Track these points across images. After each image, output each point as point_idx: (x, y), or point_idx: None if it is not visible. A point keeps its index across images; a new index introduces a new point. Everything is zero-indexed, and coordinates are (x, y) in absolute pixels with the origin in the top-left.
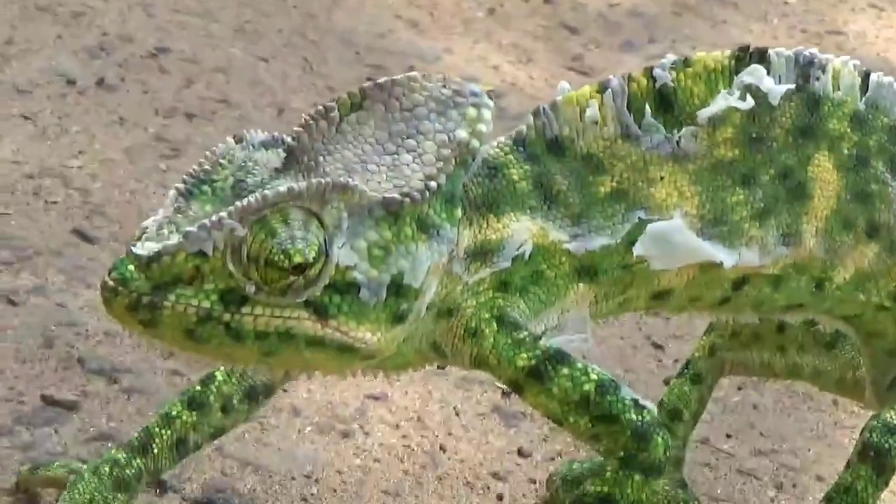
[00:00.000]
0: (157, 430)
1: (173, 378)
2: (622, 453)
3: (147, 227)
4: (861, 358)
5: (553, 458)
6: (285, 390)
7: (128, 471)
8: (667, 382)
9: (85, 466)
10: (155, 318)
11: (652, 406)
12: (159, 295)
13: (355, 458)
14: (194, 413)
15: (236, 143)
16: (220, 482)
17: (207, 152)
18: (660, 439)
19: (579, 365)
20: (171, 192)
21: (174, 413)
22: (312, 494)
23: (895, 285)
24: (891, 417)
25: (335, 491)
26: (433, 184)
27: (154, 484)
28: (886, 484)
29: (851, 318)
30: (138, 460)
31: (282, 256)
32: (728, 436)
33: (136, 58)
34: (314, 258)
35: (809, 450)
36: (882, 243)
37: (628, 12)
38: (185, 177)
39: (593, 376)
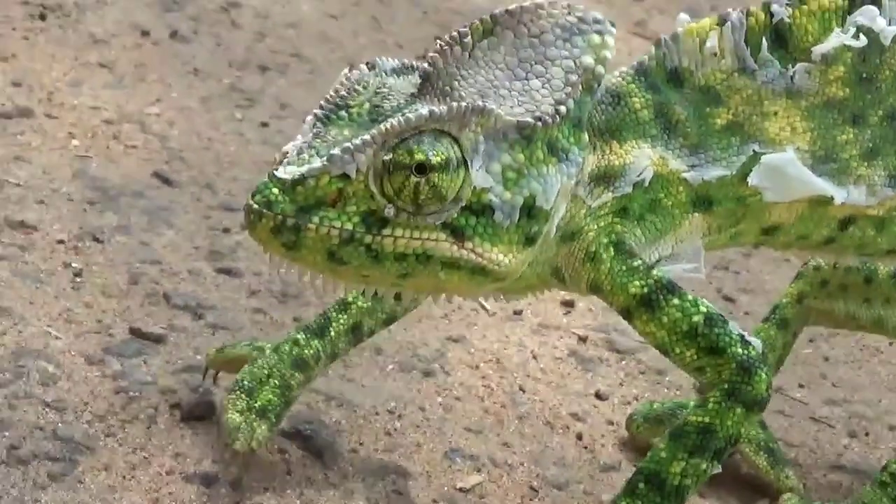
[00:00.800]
0: (334, 314)
1: (255, 315)
2: (726, 385)
3: (287, 152)
4: None
5: (629, 402)
6: None
7: (307, 351)
8: None
9: (269, 344)
10: (299, 239)
11: (758, 343)
12: (303, 217)
13: (437, 396)
14: (369, 300)
15: (369, 69)
16: (307, 415)
17: (342, 78)
18: (763, 374)
19: (690, 297)
20: (309, 118)
21: (350, 299)
22: (395, 429)
23: None
24: None
25: (418, 426)
26: (563, 108)
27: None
28: None
29: None
30: (316, 342)
31: (433, 157)
32: (801, 385)
33: (209, 11)
34: (449, 161)
35: (881, 400)
36: None
37: None
38: (322, 103)
39: (703, 308)
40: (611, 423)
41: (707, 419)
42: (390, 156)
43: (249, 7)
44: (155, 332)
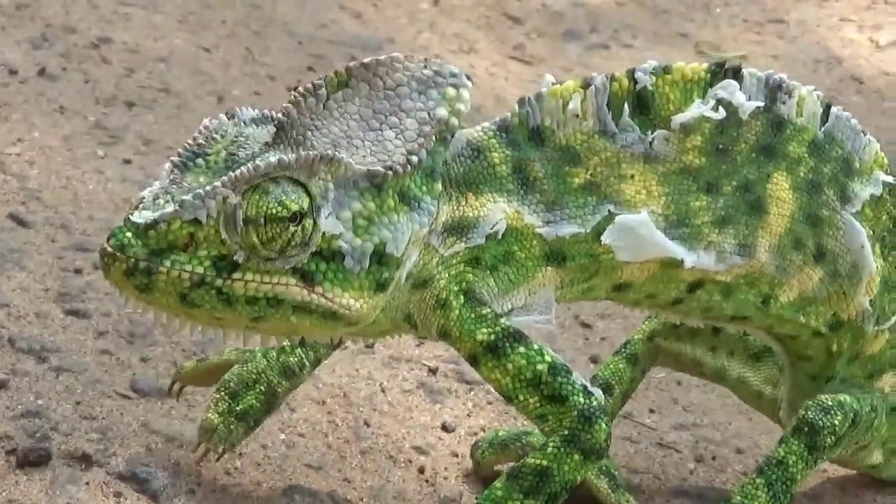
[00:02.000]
0: None
1: (101, 357)
2: (566, 432)
3: (144, 197)
4: (782, 377)
5: (476, 433)
6: None
7: (291, 358)
8: (593, 360)
9: (258, 349)
10: (151, 283)
11: (600, 393)
12: (155, 261)
13: (280, 434)
14: None
15: (228, 118)
16: (145, 456)
17: (201, 127)
18: (603, 424)
19: (535, 346)
20: (167, 165)
21: None
22: (235, 468)
23: (832, 314)
24: (826, 399)
25: (258, 465)
26: (414, 158)
27: (79, 459)
28: (816, 463)
29: (786, 338)
30: (299, 349)
31: (279, 208)
32: (651, 411)
33: (79, 48)
34: (308, 208)
35: (730, 424)
36: (826, 269)
37: (571, 2)
38: (180, 150)
39: (547, 358)
40: (455, 455)
41: (545, 463)
42: (240, 202)
43: (120, 42)
44: None
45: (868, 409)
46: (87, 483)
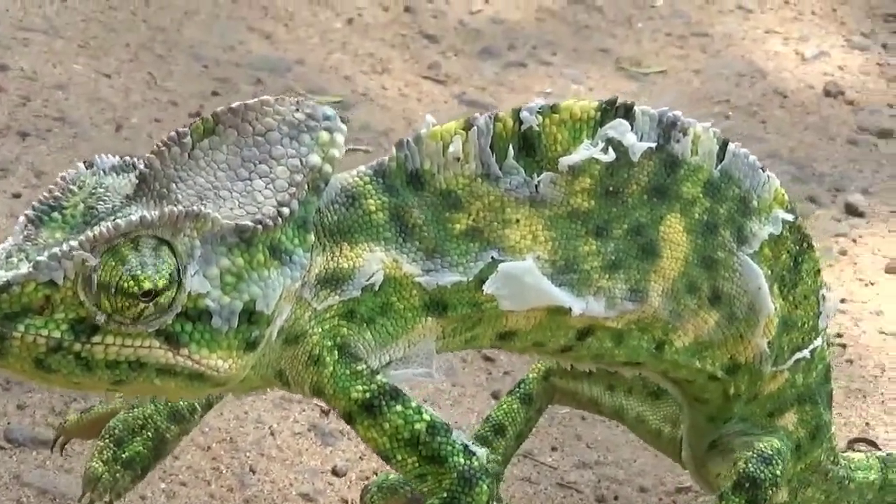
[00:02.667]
0: None
1: None
2: (445, 495)
3: None
4: (681, 417)
5: (368, 477)
6: None
7: (181, 402)
8: (495, 396)
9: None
10: (3, 348)
11: (482, 452)
12: (8, 325)
13: (161, 482)
14: None
15: (87, 168)
16: None
17: (58, 178)
18: (485, 486)
19: (413, 404)
20: (21, 219)
21: None
22: None
23: (729, 357)
24: (765, 447)
25: None
26: (286, 210)
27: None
28: None
29: (682, 381)
30: None
31: (132, 283)
32: (553, 448)
33: None
34: (164, 285)
35: (635, 460)
36: (722, 312)
37: (489, 19)
38: (34, 203)
39: (426, 417)
40: (345, 501)
41: None
42: (101, 262)
43: (17, 69)
44: None
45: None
46: None
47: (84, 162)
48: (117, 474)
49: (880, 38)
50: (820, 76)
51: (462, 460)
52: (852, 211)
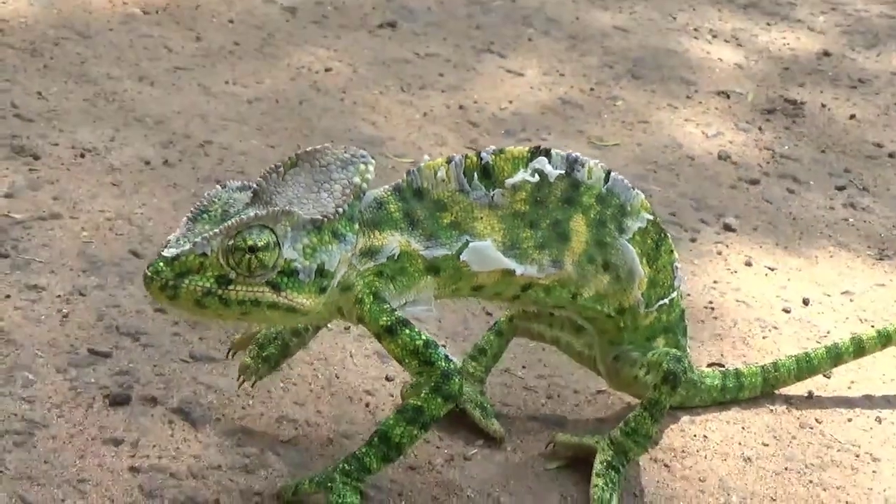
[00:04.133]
0: None
1: (174, 337)
2: (433, 384)
3: (170, 240)
4: (594, 342)
5: (405, 381)
6: None
7: (298, 325)
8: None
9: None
10: (177, 294)
11: (457, 360)
12: (178, 280)
13: (280, 383)
14: None
15: (222, 188)
16: (191, 398)
17: (205, 194)
18: (457, 379)
19: (416, 329)
20: (183, 220)
21: None
22: (248, 405)
23: (618, 303)
24: (675, 351)
25: (263, 403)
26: (340, 210)
27: (149, 400)
28: (676, 391)
29: (591, 319)
30: None
31: (244, 242)
32: (523, 367)
33: (192, 147)
34: (264, 245)
35: (573, 374)
36: (611, 275)
37: (511, 112)
38: (191, 209)
39: (423, 337)
40: (391, 395)
41: (419, 403)
42: (232, 241)
43: (217, 143)
44: (104, 350)
45: None
46: (152, 415)
47: (219, 184)
48: (259, 365)
49: (757, 124)
50: (716, 147)
51: (443, 364)
52: (728, 228)
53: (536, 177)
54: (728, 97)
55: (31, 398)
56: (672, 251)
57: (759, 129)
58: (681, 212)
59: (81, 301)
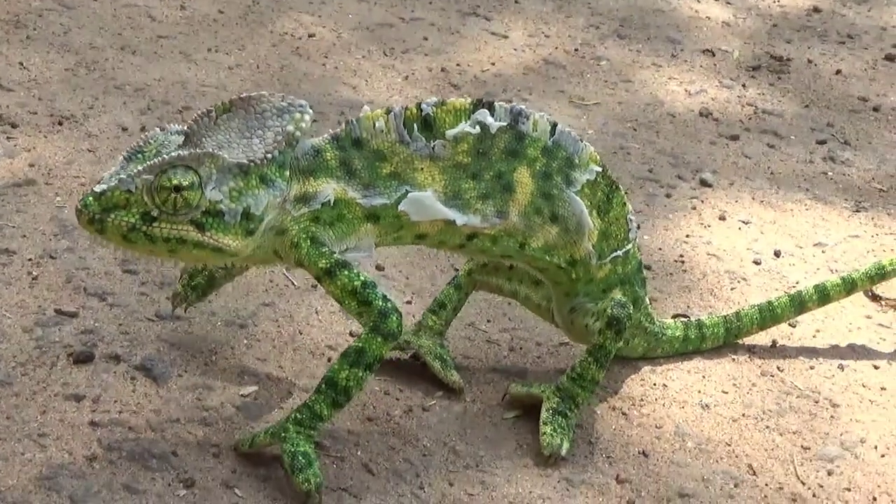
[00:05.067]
0: None
1: (141, 297)
2: (372, 324)
3: (104, 177)
4: (551, 295)
5: None
6: None
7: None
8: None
9: None
10: (104, 227)
11: (394, 299)
12: (105, 214)
13: (244, 340)
14: None
15: (160, 130)
16: (154, 356)
17: (143, 134)
18: (394, 318)
19: (355, 270)
20: (120, 157)
21: None
22: (211, 361)
23: (569, 255)
24: (620, 297)
25: (226, 359)
26: (269, 156)
27: (112, 358)
28: (621, 337)
29: (543, 270)
30: None
31: (167, 181)
32: (488, 321)
33: (170, 113)
34: (188, 185)
35: (536, 328)
36: (560, 227)
37: (493, 74)
38: (128, 148)
39: (361, 278)
40: None
41: (361, 345)
42: (157, 179)
43: (196, 109)
44: (71, 310)
45: None
46: (115, 372)
47: (159, 127)
48: (188, 293)
49: (741, 81)
50: (698, 104)
51: (381, 303)
52: (704, 183)
53: (478, 129)
54: (713, 55)
55: None
56: (625, 203)
57: (743, 85)
58: (658, 168)
59: (52, 264)
